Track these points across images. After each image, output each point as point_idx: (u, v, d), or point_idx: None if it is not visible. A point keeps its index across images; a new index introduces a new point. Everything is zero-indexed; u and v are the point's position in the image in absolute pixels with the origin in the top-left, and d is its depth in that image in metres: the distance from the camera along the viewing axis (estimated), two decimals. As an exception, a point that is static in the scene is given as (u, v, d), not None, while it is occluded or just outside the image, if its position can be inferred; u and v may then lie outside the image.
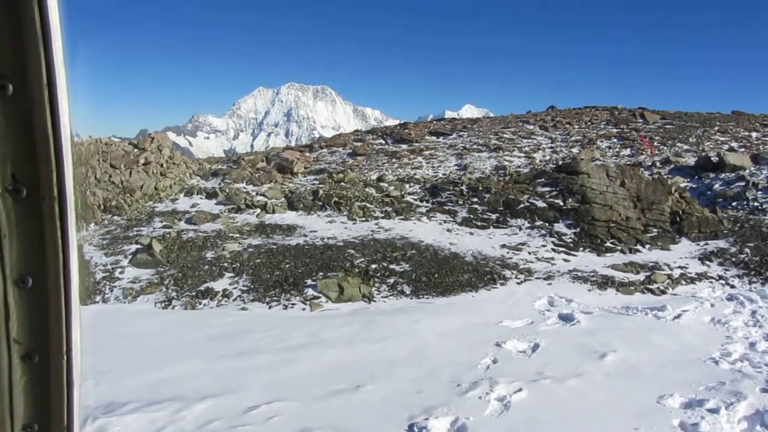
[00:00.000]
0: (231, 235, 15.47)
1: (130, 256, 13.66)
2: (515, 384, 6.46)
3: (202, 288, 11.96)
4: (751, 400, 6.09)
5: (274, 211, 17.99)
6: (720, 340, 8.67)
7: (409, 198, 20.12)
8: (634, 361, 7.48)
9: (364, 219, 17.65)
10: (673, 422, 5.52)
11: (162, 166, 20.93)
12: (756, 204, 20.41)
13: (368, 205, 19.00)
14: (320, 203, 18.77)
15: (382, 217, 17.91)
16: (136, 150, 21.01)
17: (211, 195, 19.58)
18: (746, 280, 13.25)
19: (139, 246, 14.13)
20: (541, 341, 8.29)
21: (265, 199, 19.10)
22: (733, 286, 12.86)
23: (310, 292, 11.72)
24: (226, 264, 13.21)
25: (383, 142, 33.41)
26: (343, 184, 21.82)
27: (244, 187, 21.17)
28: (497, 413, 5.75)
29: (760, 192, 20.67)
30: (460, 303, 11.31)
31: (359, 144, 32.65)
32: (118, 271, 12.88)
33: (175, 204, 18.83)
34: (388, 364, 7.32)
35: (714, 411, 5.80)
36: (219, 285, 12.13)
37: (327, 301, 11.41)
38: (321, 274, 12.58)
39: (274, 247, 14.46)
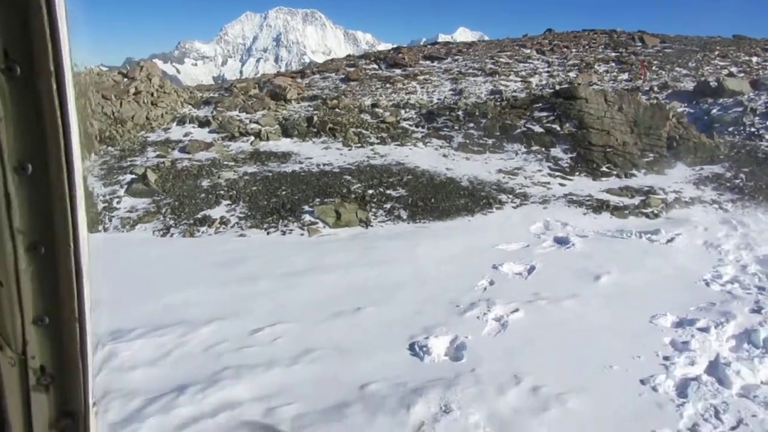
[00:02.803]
0: (226, 163, 15.38)
1: (126, 186, 13.61)
2: (512, 305, 6.60)
3: (199, 216, 11.99)
4: (739, 320, 6.26)
5: (268, 139, 17.83)
6: (712, 262, 8.82)
7: (404, 124, 19.91)
8: (628, 283, 7.63)
9: (359, 145, 17.53)
10: (665, 340, 5.69)
11: (152, 95, 20.54)
12: (753, 130, 20.28)
13: (363, 131, 18.82)
14: (315, 130, 18.58)
15: (378, 143, 17.79)
16: (125, 80, 20.56)
17: (203, 123, 19.34)
18: (740, 205, 13.36)
19: (133, 176, 14.06)
20: (537, 264, 8.41)
21: (259, 127, 18.87)
22: (726, 210, 12.98)
23: (307, 218, 11.77)
24: (222, 192, 13.19)
25: (377, 67, 32.73)
26: (337, 110, 21.53)
27: (237, 115, 20.88)
28: (495, 332, 5.91)
29: (757, 118, 20.51)
30: (457, 227, 11.39)
31: (352, 69, 31.96)
32: (116, 201, 12.87)
33: (168, 133, 18.61)
34: (388, 287, 7.43)
35: (704, 330, 5.96)
36: (216, 213, 12.16)
37: (325, 227, 11.48)
38: (318, 200, 12.61)
39: (270, 174, 14.41)
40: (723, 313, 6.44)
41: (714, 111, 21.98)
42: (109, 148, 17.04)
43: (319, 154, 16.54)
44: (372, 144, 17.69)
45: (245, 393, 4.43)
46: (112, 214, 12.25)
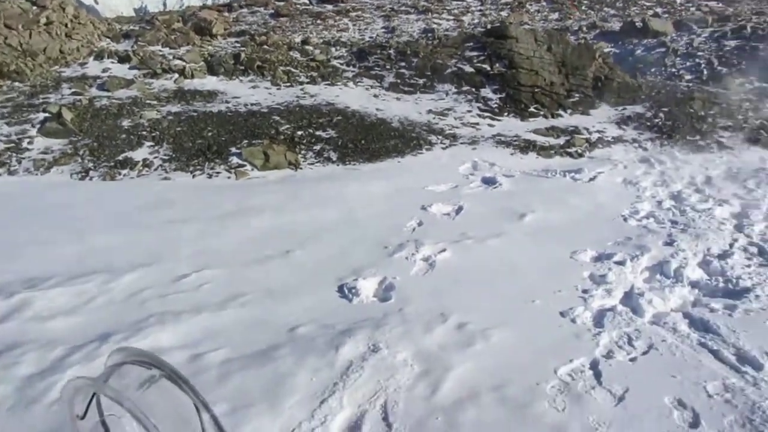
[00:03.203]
0: (148, 101, 14.70)
1: (38, 126, 12.82)
2: (440, 245, 6.70)
3: (120, 158, 11.50)
4: (653, 253, 6.59)
5: (193, 76, 17.11)
6: (630, 199, 9.18)
7: (335, 62, 19.49)
8: (551, 221, 7.86)
9: (288, 84, 17.09)
10: (584, 274, 5.93)
11: (66, 26, 19.17)
12: (674, 70, 20.95)
13: (293, 69, 18.33)
14: (242, 68, 17.95)
15: (308, 83, 17.39)
16: (35, 8, 19.07)
17: (123, 59, 18.30)
18: (658, 143, 13.89)
19: (47, 114, 13.23)
20: (465, 204, 8.54)
21: (184, 63, 18.05)
22: (645, 149, 13.47)
23: (234, 160, 11.49)
24: (144, 132, 12.65)
25: (307, 2, 31.74)
26: (265, 47, 20.83)
27: (160, 50, 19.88)
28: (423, 272, 6.00)
29: (678, 58, 21.20)
30: (387, 168, 11.39)
31: (282, 4, 30.87)
32: (26, 142, 12.11)
33: (85, 69, 17.52)
34: (317, 229, 7.39)
35: (620, 263, 6.25)
36: (138, 154, 11.69)
37: (253, 169, 11.24)
38: (245, 141, 12.30)
39: (195, 114, 13.90)
40: (638, 247, 6.76)
41: (638, 51, 22.56)
42: (16, 83, 15.90)
43: (246, 93, 16.03)
44: (302, 83, 17.28)
45: (170, 340, 4.36)
46: (22, 156, 11.56)
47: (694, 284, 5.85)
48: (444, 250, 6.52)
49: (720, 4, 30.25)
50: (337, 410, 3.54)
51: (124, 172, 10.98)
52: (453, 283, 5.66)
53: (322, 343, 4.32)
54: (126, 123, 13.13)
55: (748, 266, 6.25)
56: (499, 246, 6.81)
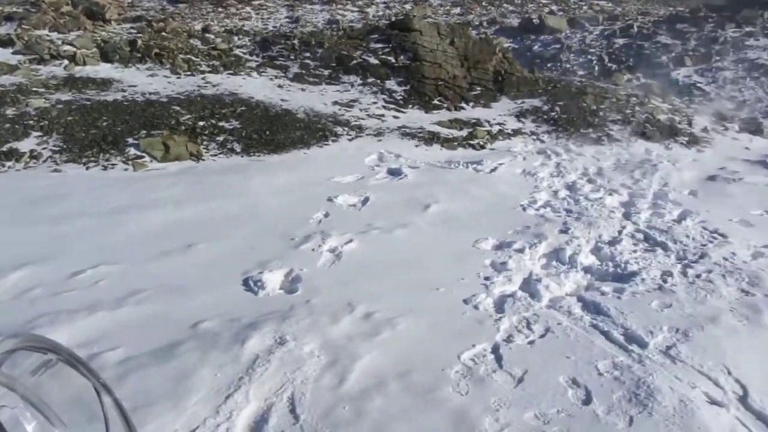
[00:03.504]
0: (35, 89, 13.75)
1: None
2: (346, 236, 6.72)
3: (4, 149, 10.70)
4: (550, 240, 6.91)
5: (85, 63, 16.17)
6: (529, 189, 9.57)
7: (237, 51, 19.04)
8: (455, 211, 8.06)
9: (189, 73, 16.52)
10: (486, 262, 6.13)
11: (-61, 6, 17.67)
12: (568, 66, 21.99)
13: (193, 58, 17.73)
14: (139, 55, 17.15)
15: (209, 72, 16.88)
16: None
17: (6, 43, 17.00)
18: (554, 136, 14.51)
19: None
20: (371, 195, 8.60)
21: (74, 49, 17.00)
22: (543, 141, 14.05)
23: (132, 151, 10.98)
24: (31, 122, 11.83)
25: (208, -12, 30.76)
26: (164, 34, 20.00)
27: (47, 35, 18.64)
28: (329, 263, 6.00)
29: (572, 54, 22.27)
30: (292, 160, 11.27)
31: (181, -10, 29.78)
32: None
33: (-38, 53, 16.20)
34: (220, 222, 7.23)
35: (520, 251, 6.51)
36: (25, 145, 10.92)
37: (152, 161, 10.79)
38: (144, 132, 11.78)
39: (88, 103, 13.15)
40: (536, 235, 7.06)
41: (536, 47, 23.52)
42: None
43: (144, 81, 15.34)
44: (203, 72, 16.74)
45: (64, 340, 4.12)
46: None
47: (586, 269, 6.19)
48: (351, 241, 6.55)
49: (610, 4, 31.99)
50: (243, 405, 3.49)
51: (8, 164, 10.23)
52: (360, 273, 5.70)
53: (227, 338, 4.23)
54: (10, 111, 12.23)
55: (635, 252, 6.68)
56: (405, 236, 6.91)
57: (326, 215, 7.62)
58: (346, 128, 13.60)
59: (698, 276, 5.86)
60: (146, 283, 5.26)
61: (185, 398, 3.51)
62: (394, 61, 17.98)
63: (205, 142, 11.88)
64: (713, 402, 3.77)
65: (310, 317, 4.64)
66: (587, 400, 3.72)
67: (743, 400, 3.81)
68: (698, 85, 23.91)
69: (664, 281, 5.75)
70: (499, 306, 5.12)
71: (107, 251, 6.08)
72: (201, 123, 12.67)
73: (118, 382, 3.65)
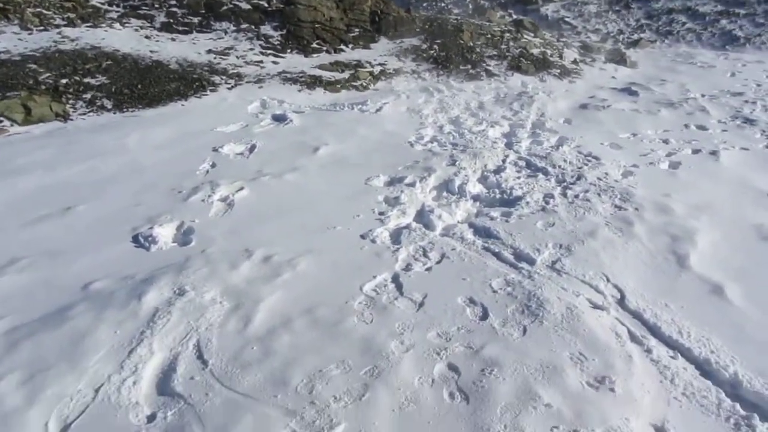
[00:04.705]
0: None
1: None
2: (236, 184, 6.56)
3: None
4: (439, 173, 7.10)
5: None
6: (415, 126, 9.71)
7: (94, 2, 17.62)
8: (344, 152, 8.05)
9: (42, 28, 15.10)
10: (379, 198, 6.21)
11: None
12: (443, 4, 22.17)
13: (44, 11, 16.20)
14: (-20, 9, 15.49)
15: (65, 26, 15.51)
16: None
17: None
18: (435, 74, 14.72)
19: None
20: (258, 142, 8.40)
21: None
22: (424, 79, 14.22)
23: (-13, 114, 10.02)
24: None
25: (54, -67, 28.01)
26: (7, -16, 18.12)
27: None
28: (222, 212, 5.86)
29: (446, -7, 22.43)
30: (170, 113, 10.73)
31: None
32: None
33: None
34: (100, 182, 6.80)
35: (411, 185, 6.65)
36: None
37: (12, 125, 9.90)
38: (-2, 93, 10.76)
39: (-73, 64, 11.79)
40: (426, 169, 7.22)
41: (410, -13, 23.43)
42: None
43: (-10, 39, 13.90)
44: (58, 26, 15.35)
45: (-62, 318, 3.81)
46: None
47: (475, 198, 6.45)
48: (242, 189, 6.41)
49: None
50: (148, 357, 3.40)
51: None
52: (254, 219, 5.61)
53: (122, 295, 4.07)
54: None
55: (519, 178, 7.02)
56: (296, 180, 6.84)
57: (213, 165, 7.38)
58: (224, 77, 13.09)
59: (576, 196, 6.27)
60: (25, 251, 4.92)
61: (84, 358, 3.37)
62: (266, 5, 17.35)
63: (71, 101, 11.04)
64: (595, 306, 4.11)
65: (208, 266, 4.54)
66: (484, 316, 3.93)
67: (621, 302, 4.19)
68: (566, 19, 24.96)
69: (547, 203, 6.11)
70: (396, 238, 5.24)
71: (-26, 222, 5.60)
72: (63, 81, 11.72)
73: (9, 352, 3.45)
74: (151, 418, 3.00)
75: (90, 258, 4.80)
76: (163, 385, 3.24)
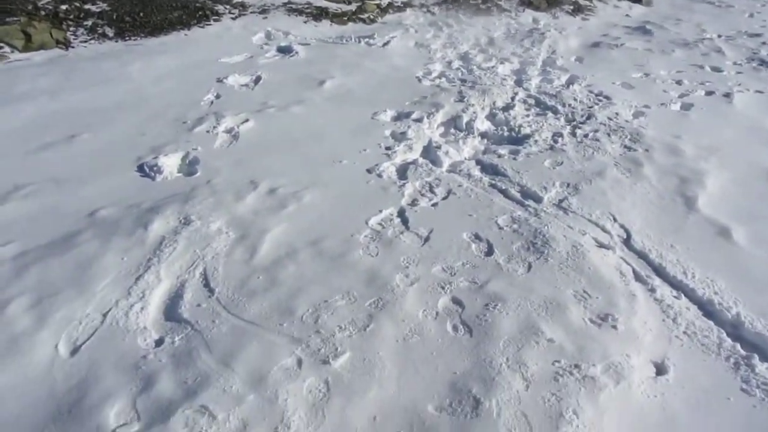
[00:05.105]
0: None
1: None
2: (241, 116, 6.48)
3: None
4: (446, 109, 6.99)
5: None
6: (423, 61, 9.50)
7: None
8: (351, 85, 7.91)
9: (42, -51, 14.66)
10: (386, 133, 6.14)
11: None
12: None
13: (45, -69, 15.69)
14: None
15: (65, -53, 15.06)
16: None
17: None
18: (444, 8, 14.31)
19: None
20: (263, 74, 8.26)
21: None
22: (433, 14, 13.83)
23: (-14, 40, 9.82)
24: None
25: None
26: None
27: None
28: (227, 143, 5.81)
29: None
30: (173, 42, 10.50)
31: None
32: None
33: None
34: (103, 111, 6.72)
35: (418, 120, 6.55)
36: None
37: (13, 52, 9.70)
38: (-3, 18, 10.50)
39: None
40: (433, 104, 7.11)
41: None
42: None
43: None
44: (58, -52, 14.91)
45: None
46: None
47: (483, 134, 6.37)
48: (247, 120, 6.33)
49: None
50: (155, 284, 3.43)
51: None
52: (259, 151, 5.57)
53: (128, 223, 4.08)
54: None
55: (528, 116, 6.90)
56: (302, 112, 6.75)
57: (217, 96, 7.27)
58: (228, 6, 12.75)
59: (586, 135, 6.17)
60: (30, 177, 4.90)
61: (92, 284, 3.40)
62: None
63: (71, 28, 10.79)
64: (601, 245, 4.10)
65: (214, 197, 4.53)
66: (489, 252, 3.93)
67: (627, 242, 4.17)
68: (580, -47, 24.08)
69: (555, 142, 6.03)
70: (402, 173, 5.20)
71: (-21, 148, 5.56)
72: (63, 6, 11.43)
73: (17, 276, 3.48)
74: (159, 342, 3.04)
75: (96, 186, 4.78)
76: (170, 312, 3.28)
